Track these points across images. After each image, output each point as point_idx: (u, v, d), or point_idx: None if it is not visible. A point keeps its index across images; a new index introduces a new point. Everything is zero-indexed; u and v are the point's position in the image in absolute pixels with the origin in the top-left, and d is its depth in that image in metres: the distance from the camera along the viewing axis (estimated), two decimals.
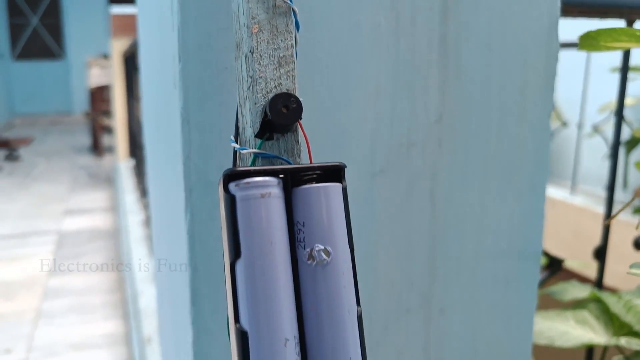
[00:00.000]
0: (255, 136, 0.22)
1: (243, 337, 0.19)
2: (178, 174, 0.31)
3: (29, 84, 7.11)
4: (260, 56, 0.23)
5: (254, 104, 0.22)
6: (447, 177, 0.37)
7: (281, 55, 0.23)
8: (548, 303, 0.91)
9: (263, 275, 0.19)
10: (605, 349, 0.69)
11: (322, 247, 0.20)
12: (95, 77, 4.45)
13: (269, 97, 0.22)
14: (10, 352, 1.46)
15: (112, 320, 1.64)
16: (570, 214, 2.21)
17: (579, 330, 0.67)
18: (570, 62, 2.09)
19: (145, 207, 2.19)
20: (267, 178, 0.20)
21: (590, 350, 0.73)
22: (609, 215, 0.80)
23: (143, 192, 2.39)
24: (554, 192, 2.26)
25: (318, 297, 0.20)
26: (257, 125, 0.22)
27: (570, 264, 1.12)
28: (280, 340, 0.19)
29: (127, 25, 3.28)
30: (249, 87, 0.23)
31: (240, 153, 0.22)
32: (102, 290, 1.86)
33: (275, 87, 0.23)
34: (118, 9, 3.50)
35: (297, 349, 0.20)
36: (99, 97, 4.37)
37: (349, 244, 0.21)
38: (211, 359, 0.32)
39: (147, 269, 1.56)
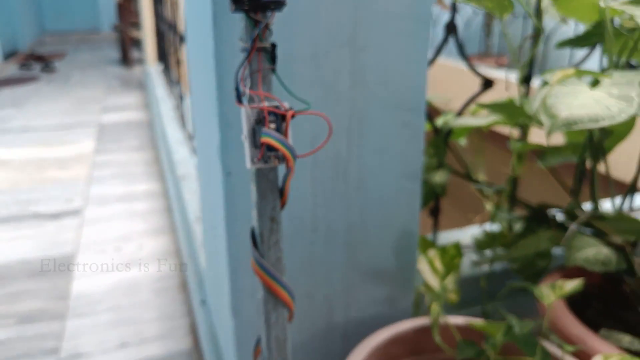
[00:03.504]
0: None
1: None
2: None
3: (57, 2, 7.30)
4: None
5: None
6: None
7: None
8: None
9: None
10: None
11: None
12: None
13: None
14: (71, 201, 1.79)
15: (151, 182, 1.95)
16: None
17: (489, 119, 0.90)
18: None
19: (175, 97, 2.46)
20: None
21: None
22: None
23: (170, 87, 2.65)
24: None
25: None
26: None
27: None
28: None
29: None
30: None
31: None
32: (142, 163, 2.16)
33: None
34: None
35: None
36: (127, 8, 4.56)
37: None
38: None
39: (179, 138, 1.85)
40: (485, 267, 0.96)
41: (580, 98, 0.67)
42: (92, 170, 2.08)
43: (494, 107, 0.84)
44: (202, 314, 0.99)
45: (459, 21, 0.99)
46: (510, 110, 0.86)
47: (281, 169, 0.46)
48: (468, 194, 1.02)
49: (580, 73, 0.64)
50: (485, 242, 1.00)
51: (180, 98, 2.11)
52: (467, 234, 1.03)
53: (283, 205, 0.49)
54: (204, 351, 0.94)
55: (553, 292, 0.65)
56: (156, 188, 1.89)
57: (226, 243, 0.65)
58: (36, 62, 5.03)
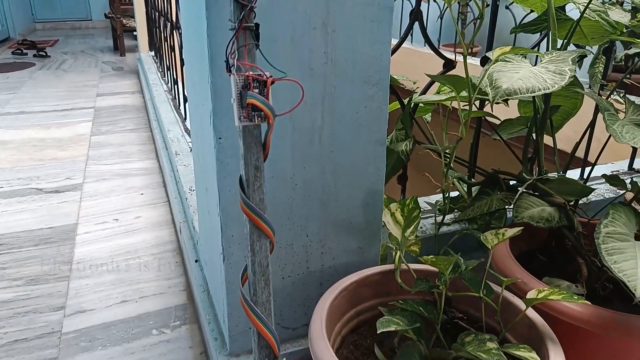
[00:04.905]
0: None
1: None
2: None
3: None
4: None
5: None
6: None
7: None
8: None
9: None
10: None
11: None
12: None
13: None
14: (71, 179, 1.89)
15: (146, 160, 2.05)
16: None
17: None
18: None
19: (167, 83, 2.56)
20: None
21: None
22: None
23: (163, 73, 2.74)
24: None
25: None
26: None
27: None
28: None
29: None
30: None
31: None
32: (137, 143, 2.26)
33: None
34: None
35: None
36: None
37: None
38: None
39: (171, 117, 1.95)
40: (446, 228, 1.08)
41: (521, 72, 0.79)
42: (89, 150, 2.18)
43: (443, 79, 0.95)
44: (195, 271, 1.10)
45: (436, 11, 1.10)
46: (455, 82, 0.94)
47: (264, 130, 0.58)
48: (434, 168, 1.14)
49: (515, 50, 0.76)
50: (446, 206, 1.12)
51: (173, 82, 2.21)
52: (432, 200, 1.15)
53: (265, 157, 0.60)
54: (198, 302, 1.06)
55: (496, 237, 0.77)
56: (151, 165, 1.99)
57: (218, 198, 0.76)
58: (28, 49, 5.08)
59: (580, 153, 1.25)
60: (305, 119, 0.77)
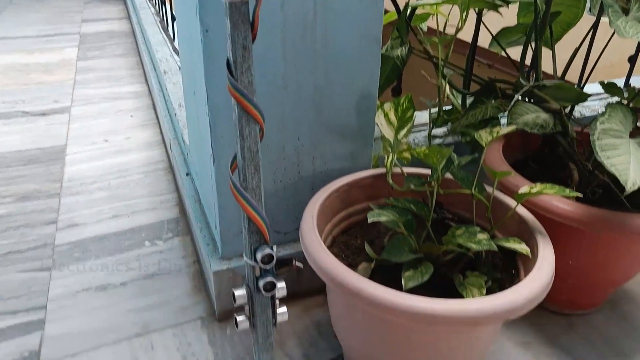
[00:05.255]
0: None
1: None
2: None
3: None
4: None
5: None
6: None
7: None
8: None
9: None
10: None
11: None
12: None
13: None
14: (58, 102, 1.85)
15: (135, 84, 2.01)
16: None
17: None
18: None
19: (154, 5, 2.47)
20: None
21: None
22: None
23: None
24: None
25: None
26: None
27: None
28: None
29: None
30: None
31: None
32: (125, 68, 2.21)
33: None
34: None
35: None
36: None
37: None
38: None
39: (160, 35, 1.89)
40: (440, 140, 1.08)
41: None
42: (76, 75, 2.13)
43: None
44: (187, 183, 1.10)
45: None
46: None
47: (252, 7, 0.55)
48: (430, 85, 1.12)
49: None
50: (440, 119, 1.11)
51: (161, 2, 2.13)
52: (427, 115, 1.13)
53: (254, 36, 0.57)
54: (189, 212, 1.06)
55: (490, 135, 0.76)
56: (140, 89, 1.95)
57: (206, 97, 0.74)
58: None
59: (574, 77, 1.23)
60: (297, 11, 0.74)
